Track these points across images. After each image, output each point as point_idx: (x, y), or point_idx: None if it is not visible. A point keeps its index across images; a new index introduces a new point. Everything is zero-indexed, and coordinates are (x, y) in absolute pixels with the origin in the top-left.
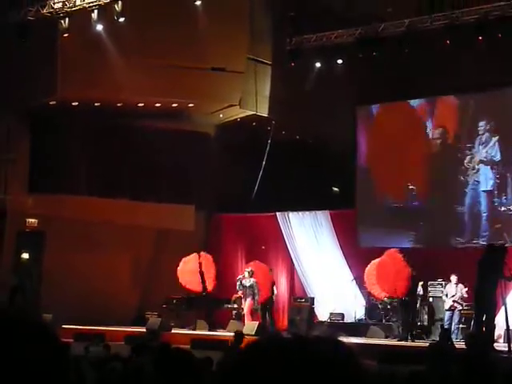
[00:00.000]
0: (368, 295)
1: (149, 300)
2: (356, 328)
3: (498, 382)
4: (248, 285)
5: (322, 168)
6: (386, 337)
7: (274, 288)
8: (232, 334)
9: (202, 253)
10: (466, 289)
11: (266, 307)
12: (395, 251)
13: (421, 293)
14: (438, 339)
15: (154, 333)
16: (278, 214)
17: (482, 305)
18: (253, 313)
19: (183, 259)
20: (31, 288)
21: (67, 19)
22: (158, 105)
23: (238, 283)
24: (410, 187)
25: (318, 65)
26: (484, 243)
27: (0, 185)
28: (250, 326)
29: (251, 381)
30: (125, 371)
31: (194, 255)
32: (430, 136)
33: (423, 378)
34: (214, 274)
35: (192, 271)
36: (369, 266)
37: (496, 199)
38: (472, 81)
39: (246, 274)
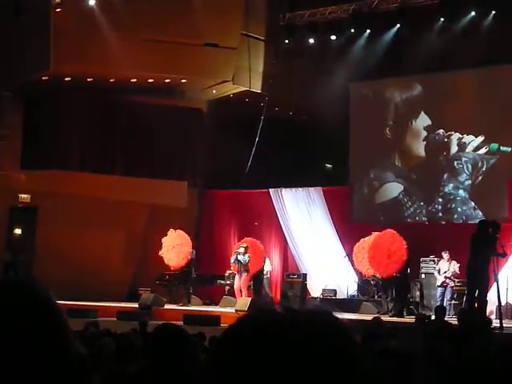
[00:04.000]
0: (360, 272)
1: (141, 276)
2: (348, 304)
3: (491, 357)
4: (243, 261)
5: (315, 144)
6: (378, 313)
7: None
8: (225, 309)
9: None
10: (459, 265)
11: (259, 282)
12: (393, 232)
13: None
14: (429, 316)
15: (146, 308)
16: (270, 190)
17: (475, 281)
18: (248, 288)
19: (163, 239)
20: (24, 263)
21: None
22: (150, 80)
23: (234, 257)
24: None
25: (311, 41)
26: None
27: None
28: (243, 302)
29: (243, 355)
30: (117, 347)
31: (170, 231)
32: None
33: (419, 356)
34: (188, 251)
35: (168, 248)
36: (358, 243)
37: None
38: (467, 58)
39: (242, 250)
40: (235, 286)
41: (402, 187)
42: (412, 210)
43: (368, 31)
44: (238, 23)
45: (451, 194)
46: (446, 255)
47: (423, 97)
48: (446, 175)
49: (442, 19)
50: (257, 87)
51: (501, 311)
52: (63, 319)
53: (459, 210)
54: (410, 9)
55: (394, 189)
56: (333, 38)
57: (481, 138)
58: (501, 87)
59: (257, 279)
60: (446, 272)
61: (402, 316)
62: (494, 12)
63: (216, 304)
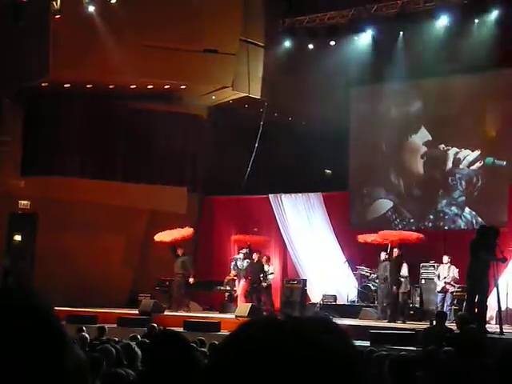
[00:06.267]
0: (360, 277)
1: (141, 282)
2: (348, 310)
3: (491, 362)
4: (241, 266)
5: (314, 150)
6: (379, 319)
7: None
8: (225, 315)
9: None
10: (458, 270)
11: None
12: None
13: (406, 274)
14: (431, 321)
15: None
16: (270, 196)
17: (475, 286)
18: (246, 295)
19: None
20: (24, 270)
21: (59, 0)
22: (150, 86)
23: (233, 263)
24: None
25: (310, 46)
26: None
27: None
28: (243, 308)
29: (243, 362)
30: (117, 353)
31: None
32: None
33: (419, 361)
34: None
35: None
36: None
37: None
38: (467, 62)
39: (241, 256)
40: (238, 293)
41: (391, 204)
42: (400, 226)
43: (367, 37)
44: (237, 29)
45: (442, 211)
46: (446, 258)
47: (423, 110)
48: (440, 191)
49: (441, 24)
50: (256, 93)
51: (501, 316)
52: (59, 324)
53: (446, 228)
54: (409, 14)
55: (383, 206)
56: (332, 43)
57: (477, 152)
58: (500, 94)
59: (256, 285)
60: (445, 277)
61: (403, 321)
62: (493, 16)
63: (216, 310)
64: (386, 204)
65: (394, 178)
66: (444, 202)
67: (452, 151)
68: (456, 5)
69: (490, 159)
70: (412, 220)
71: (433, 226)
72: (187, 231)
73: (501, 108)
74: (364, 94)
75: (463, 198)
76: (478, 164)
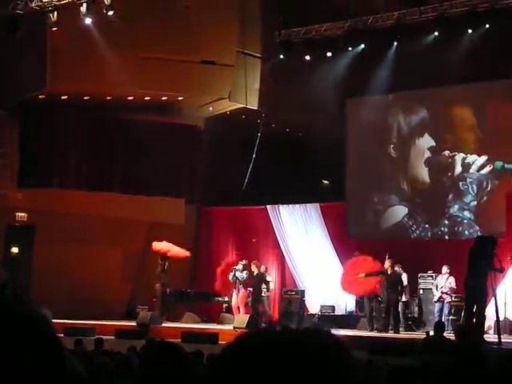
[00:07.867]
0: None
1: (139, 294)
2: (346, 320)
3: (490, 373)
4: (240, 277)
5: (312, 161)
6: (376, 329)
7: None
8: (223, 327)
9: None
10: (453, 278)
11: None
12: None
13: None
14: (427, 332)
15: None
16: (268, 206)
17: (473, 296)
18: (245, 305)
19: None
20: (21, 282)
21: (56, 13)
22: (147, 98)
23: (232, 274)
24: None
25: (307, 57)
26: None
27: None
28: (241, 319)
29: (242, 374)
30: (115, 366)
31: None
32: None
33: (418, 371)
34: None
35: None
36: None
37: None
38: (461, 73)
39: (240, 267)
40: (233, 303)
41: (406, 210)
42: (418, 232)
43: (363, 48)
44: (234, 41)
45: (457, 216)
46: (445, 269)
47: (424, 117)
48: (450, 196)
49: (437, 35)
50: (253, 104)
51: (499, 326)
52: (57, 336)
53: (466, 233)
54: (404, 25)
55: (398, 213)
56: (328, 54)
57: (484, 157)
58: (503, 101)
59: (255, 296)
60: (442, 287)
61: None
62: (488, 26)
63: (214, 321)
64: (400, 211)
65: (402, 184)
66: (456, 206)
67: (459, 156)
68: (450, 17)
69: (499, 163)
70: (427, 226)
71: (449, 232)
72: (184, 253)
73: (501, 114)
74: (361, 104)
75: (475, 202)
76: (487, 168)
